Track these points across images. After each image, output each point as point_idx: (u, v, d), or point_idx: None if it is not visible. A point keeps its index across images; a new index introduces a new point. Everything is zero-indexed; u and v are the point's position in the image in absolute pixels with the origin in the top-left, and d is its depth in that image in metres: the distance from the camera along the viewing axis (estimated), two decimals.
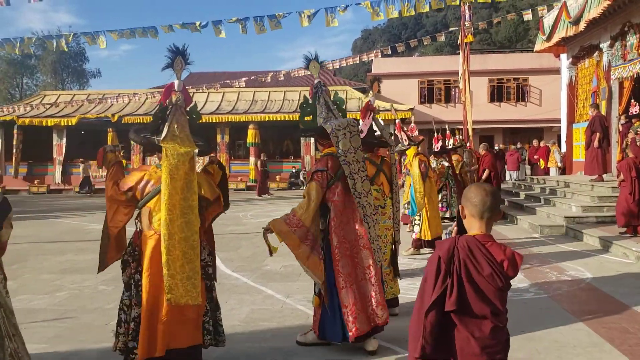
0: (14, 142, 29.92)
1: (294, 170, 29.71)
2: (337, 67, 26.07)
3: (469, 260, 2.50)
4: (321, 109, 5.00)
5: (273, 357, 4.55)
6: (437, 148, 12.61)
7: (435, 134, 13.30)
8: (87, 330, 5.32)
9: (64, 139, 30.31)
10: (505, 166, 21.76)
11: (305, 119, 5.14)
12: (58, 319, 5.71)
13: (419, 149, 9.15)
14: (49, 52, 44.99)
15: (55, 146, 30.27)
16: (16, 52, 17.41)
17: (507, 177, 21.69)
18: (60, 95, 34.17)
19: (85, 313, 5.93)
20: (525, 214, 13.03)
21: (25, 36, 16.66)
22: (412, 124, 12.93)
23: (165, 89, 4.11)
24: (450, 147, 13.33)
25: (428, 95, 36.06)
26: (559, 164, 20.02)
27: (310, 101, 5.13)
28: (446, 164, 12.15)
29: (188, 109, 4.18)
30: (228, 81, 27.35)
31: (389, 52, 25.57)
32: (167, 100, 4.09)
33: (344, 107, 5.22)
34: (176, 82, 4.09)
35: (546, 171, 20.64)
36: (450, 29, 30.25)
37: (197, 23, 15.34)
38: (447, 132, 14.58)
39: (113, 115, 29.51)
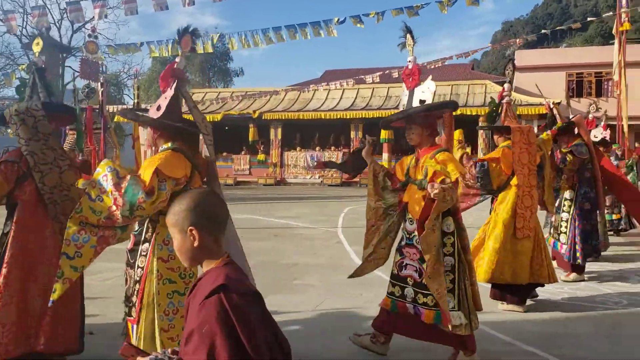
0: None
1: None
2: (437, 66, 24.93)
3: None
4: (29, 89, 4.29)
5: None
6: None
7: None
8: None
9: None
10: None
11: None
12: None
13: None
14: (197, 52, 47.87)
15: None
16: (169, 54, 18.66)
17: None
18: (206, 93, 36.24)
19: None
20: None
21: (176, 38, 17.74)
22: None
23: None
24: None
25: (577, 89, 33.52)
26: None
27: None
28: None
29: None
30: (362, 77, 27.37)
31: (527, 40, 24.16)
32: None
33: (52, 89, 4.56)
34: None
35: None
36: (603, 15, 27.87)
37: (335, 19, 15.48)
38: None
39: (254, 111, 30.81)
